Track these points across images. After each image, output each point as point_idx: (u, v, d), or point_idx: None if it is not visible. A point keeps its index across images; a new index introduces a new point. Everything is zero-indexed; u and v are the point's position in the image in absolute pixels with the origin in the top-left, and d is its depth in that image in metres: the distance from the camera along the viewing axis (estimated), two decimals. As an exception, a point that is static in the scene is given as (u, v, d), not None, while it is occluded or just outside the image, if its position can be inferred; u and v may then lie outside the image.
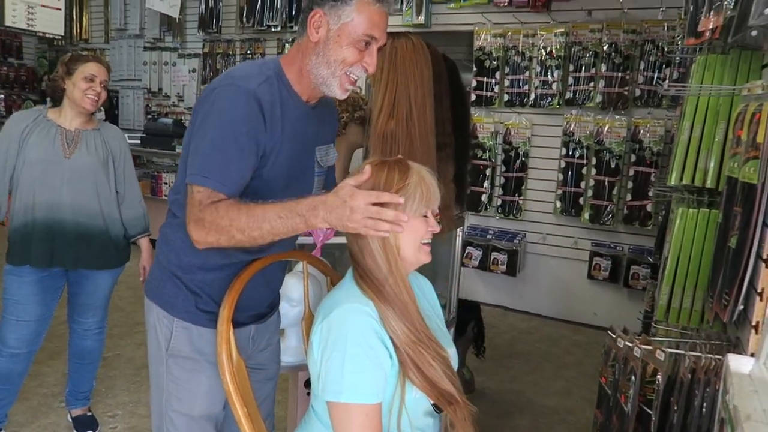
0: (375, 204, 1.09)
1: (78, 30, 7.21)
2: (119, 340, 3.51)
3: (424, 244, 1.22)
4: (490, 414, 2.87)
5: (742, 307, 1.33)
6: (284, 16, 5.63)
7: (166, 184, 5.54)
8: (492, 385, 3.20)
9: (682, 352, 1.48)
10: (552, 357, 3.68)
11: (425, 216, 1.21)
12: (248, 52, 6.00)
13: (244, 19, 5.85)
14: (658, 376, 1.47)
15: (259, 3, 5.76)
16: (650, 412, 1.47)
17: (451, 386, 1.17)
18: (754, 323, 1.32)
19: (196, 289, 1.35)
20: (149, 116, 6.35)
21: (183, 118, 6.18)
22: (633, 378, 1.51)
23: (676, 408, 1.43)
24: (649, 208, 3.91)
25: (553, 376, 3.39)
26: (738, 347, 1.50)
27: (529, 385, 3.24)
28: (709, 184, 1.78)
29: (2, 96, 7.19)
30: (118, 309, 4.02)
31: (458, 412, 1.18)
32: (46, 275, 2.31)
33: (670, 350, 1.48)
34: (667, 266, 1.87)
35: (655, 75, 3.86)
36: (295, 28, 5.68)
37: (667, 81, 2.82)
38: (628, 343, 1.57)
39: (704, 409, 1.39)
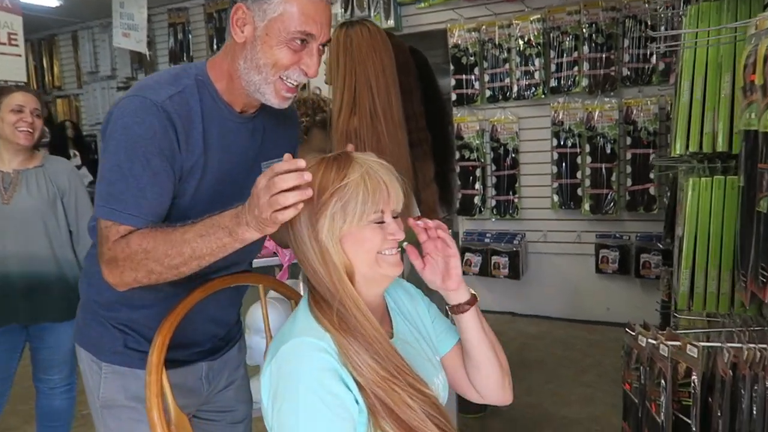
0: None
1: (50, 78, 7.08)
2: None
3: (384, 254, 0.98)
4: (507, 433, 2.62)
5: (785, 282, 1.10)
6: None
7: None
8: (506, 400, 2.93)
9: (718, 344, 1.23)
10: (568, 362, 3.41)
11: (379, 222, 0.97)
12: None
13: (215, 47, 5.74)
14: (693, 377, 1.23)
15: (227, 29, 5.62)
16: (688, 421, 1.23)
17: (437, 431, 0.93)
18: (801, 301, 1.08)
19: (123, 327, 1.13)
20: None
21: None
22: (663, 382, 1.26)
23: (719, 413, 1.19)
24: (652, 191, 3.67)
25: (571, 382, 3.12)
26: (783, 331, 1.26)
27: (547, 396, 2.98)
28: (720, 147, 1.56)
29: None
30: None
31: None
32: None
33: (703, 344, 1.24)
34: (684, 247, 1.63)
35: (641, 52, 3.66)
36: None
37: (659, 40, 2.59)
38: (651, 341, 1.33)
39: (755, 412, 1.15)
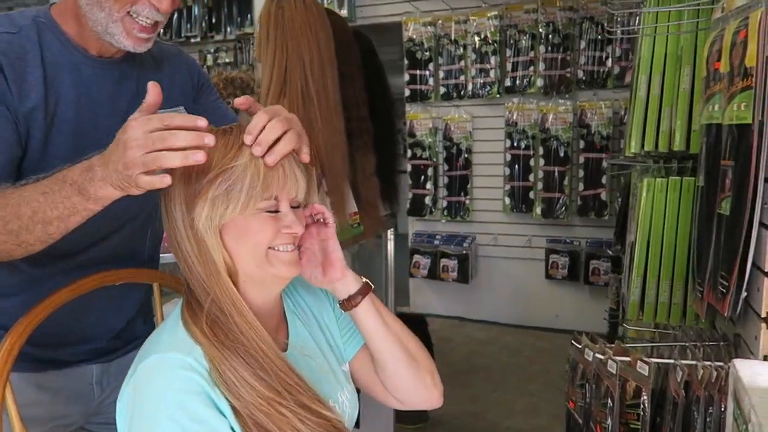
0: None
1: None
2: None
3: (276, 249, 0.80)
4: (447, 445, 2.48)
5: (746, 293, 0.98)
6: (203, 25, 5.24)
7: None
8: (449, 410, 2.80)
9: (671, 361, 1.11)
10: (515, 369, 3.31)
11: (272, 211, 0.80)
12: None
13: (161, 32, 5.44)
14: (643, 397, 1.10)
15: (175, 14, 5.35)
16: (637, 446, 1.10)
17: None
18: (764, 314, 0.97)
19: None
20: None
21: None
22: (610, 402, 1.13)
23: (670, 439, 1.06)
24: (603, 196, 3.61)
25: (517, 391, 3.02)
26: (739, 348, 1.14)
27: (492, 405, 2.86)
28: (677, 146, 1.45)
29: None
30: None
31: None
32: None
33: (654, 360, 1.11)
34: (636, 253, 1.51)
35: (597, 54, 3.59)
36: (217, 37, 5.32)
37: (616, 42, 2.52)
38: (599, 355, 1.20)
39: (709, 439, 1.03)
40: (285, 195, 0.80)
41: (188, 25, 5.36)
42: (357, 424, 2.40)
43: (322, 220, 0.89)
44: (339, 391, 0.91)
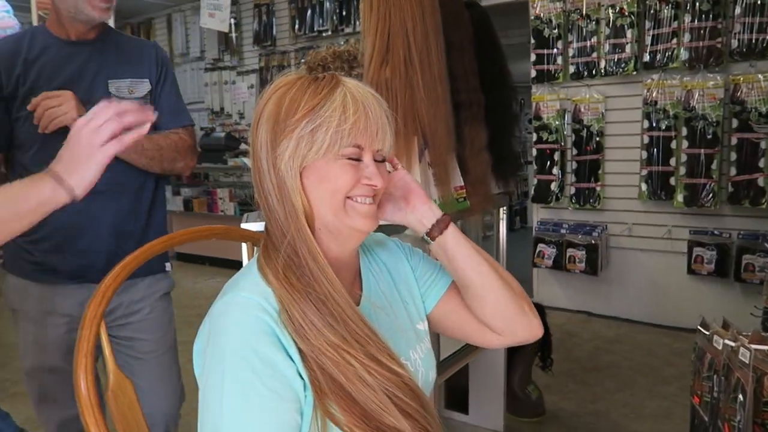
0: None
1: (145, 60, 7.43)
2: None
3: (354, 200, 0.78)
4: (563, 442, 2.32)
5: None
6: (334, 19, 5.45)
7: (221, 198, 5.38)
8: (568, 406, 2.62)
9: (823, 353, 0.92)
10: (647, 370, 3.02)
11: (354, 159, 0.77)
12: (302, 60, 5.86)
13: (296, 28, 5.75)
14: (784, 394, 0.92)
15: (309, 10, 5.63)
16: (773, 451, 0.92)
17: (404, 420, 0.71)
18: None
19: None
20: (203, 131, 6.32)
21: (242, 134, 6.09)
22: (741, 397, 0.96)
23: (818, 446, 0.88)
24: (761, 182, 3.16)
25: (647, 393, 2.74)
26: None
27: (617, 406, 2.63)
28: None
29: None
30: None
31: None
32: None
33: (800, 351, 0.93)
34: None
35: (756, 20, 3.14)
36: (347, 30, 5.50)
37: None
38: (729, 343, 1.03)
39: None
40: (370, 145, 0.79)
41: (320, 20, 5.58)
42: (464, 408, 2.33)
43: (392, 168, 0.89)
44: (411, 349, 0.87)
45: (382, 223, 0.88)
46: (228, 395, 0.68)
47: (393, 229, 0.92)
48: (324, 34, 5.59)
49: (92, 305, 0.86)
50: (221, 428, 0.68)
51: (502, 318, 0.88)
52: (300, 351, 0.72)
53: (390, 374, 0.72)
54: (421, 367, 0.87)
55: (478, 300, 0.88)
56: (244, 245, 1.16)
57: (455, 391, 2.29)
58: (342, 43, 5.54)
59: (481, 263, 0.87)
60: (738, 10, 3.18)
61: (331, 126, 0.75)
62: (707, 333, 1.11)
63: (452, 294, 0.93)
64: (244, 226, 1.47)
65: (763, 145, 3.15)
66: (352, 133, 0.76)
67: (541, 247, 3.89)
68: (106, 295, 0.88)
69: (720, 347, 1.05)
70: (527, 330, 0.89)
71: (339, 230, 0.79)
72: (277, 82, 0.80)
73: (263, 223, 0.85)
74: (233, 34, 6.36)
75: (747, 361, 0.96)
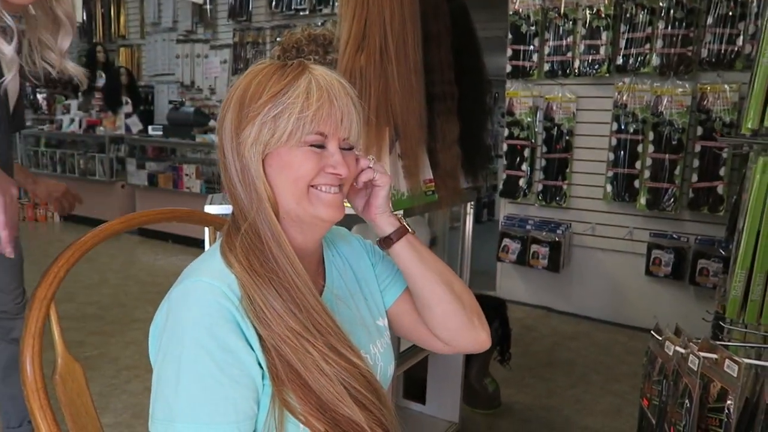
0: None
1: (116, 27, 7.22)
2: (110, 337, 3.21)
3: (318, 189, 0.77)
4: (516, 435, 2.36)
5: None
6: (313, -1, 5.37)
7: (186, 175, 5.28)
8: (524, 400, 2.67)
9: (767, 363, 0.95)
10: (601, 367, 3.10)
11: (317, 146, 0.76)
12: (278, 39, 5.75)
13: (273, 4, 5.64)
14: (729, 401, 0.95)
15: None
16: (715, 456, 0.96)
17: (359, 411, 0.71)
18: None
19: None
20: (171, 105, 6.16)
21: (212, 110, 5.96)
22: (687, 403, 0.99)
23: (757, 453, 0.91)
24: (720, 190, 3.26)
25: (600, 390, 2.82)
26: None
27: (570, 401, 2.69)
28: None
29: (45, 94, 7.27)
30: (120, 305, 3.75)
31: None
32: None
33: (747, 360, 0.96)
34: (743, 244, 1.32)
35: (726, 32, 3.21)
36: (324, 10, 5.42)
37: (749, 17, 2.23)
38: (680, 349, 1.05)
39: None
40: (334, 133, 0.77)
41: (298, -1, 5.51)
42: (421, 398, 2.35)
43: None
44: (372, 343, 0.87)
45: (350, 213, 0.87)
46: (184, 380, 0.67)
47: (358, 218, 0.91)
48: (301, 13, 5.52)
49: (43, 285, 0.83)
50: (175, 413, 0.67)
51: (448, 330, 0.88)
52: (260, 338, 0.71)
53: (348, 365, 0.72)
54: (380, 361, 0.87)
55: (426, 310, 0.89)
56: (206, 229, 1.14)
57: (414, 381, 2.31)
58: (319, 24, 5.46)
59: (427, 276, 0.87)
60: (710, 20, 3.25)
61: (294, 112, 0.74)
62: (660, 338, 1.14)
63: (407, 297, 0.94)
64: (207, 209, 1.43)
65: (724, 154, 3.24)
66: (315, 119, 0.75)
67: (506, 241, 3.94)
68: (58, 276, 0.84)
69: (671, 353, 1.08)
70: (473, 343, 0.90)
71: (302, 219, 0.78)
72: (249, 69, 0.80)
73: (228, 206, 0.83)
74: (208, 7, 6.21)
75: (695, 369, 0.99)
